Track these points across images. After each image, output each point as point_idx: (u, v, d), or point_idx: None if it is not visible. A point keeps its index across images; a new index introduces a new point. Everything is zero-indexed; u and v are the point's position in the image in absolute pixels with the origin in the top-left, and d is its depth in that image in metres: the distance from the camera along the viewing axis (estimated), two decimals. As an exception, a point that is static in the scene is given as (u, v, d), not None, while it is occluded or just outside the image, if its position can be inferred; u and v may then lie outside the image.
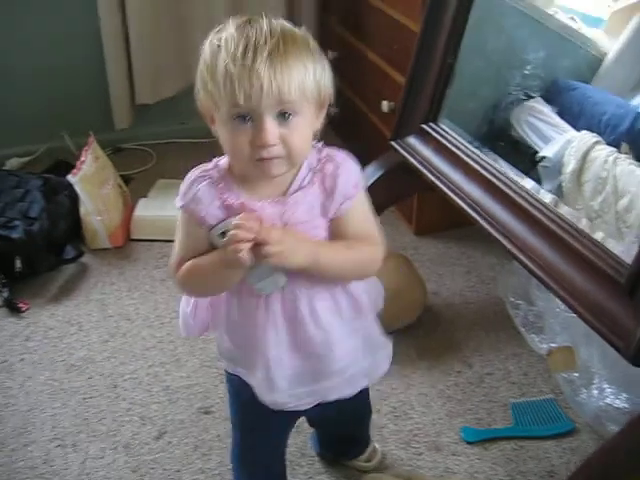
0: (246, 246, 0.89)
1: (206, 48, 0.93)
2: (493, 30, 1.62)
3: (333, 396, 1.07)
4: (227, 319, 1.04)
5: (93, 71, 2.48)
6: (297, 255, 0.93)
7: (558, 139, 1.49)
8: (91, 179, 2.03)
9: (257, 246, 0.90)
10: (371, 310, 1.09)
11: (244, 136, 0.90)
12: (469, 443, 1.45)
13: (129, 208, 2.17)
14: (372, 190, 1.67)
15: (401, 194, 1.83)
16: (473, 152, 1.49)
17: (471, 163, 1.47)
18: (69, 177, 1.99)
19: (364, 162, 1.78)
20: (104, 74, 2.46)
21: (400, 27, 1.95)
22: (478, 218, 1.40)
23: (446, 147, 1.53)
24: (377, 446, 1.43)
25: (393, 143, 1.64)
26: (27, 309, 1.85)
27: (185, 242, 1.01)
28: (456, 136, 1.54)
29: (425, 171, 1.54)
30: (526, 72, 1.51)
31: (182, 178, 1.01)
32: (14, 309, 1.84)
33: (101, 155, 2.15)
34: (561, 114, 1.50)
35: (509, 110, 1.57)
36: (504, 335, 1.72)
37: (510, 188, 1.38)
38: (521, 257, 1.30)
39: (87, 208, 2.02)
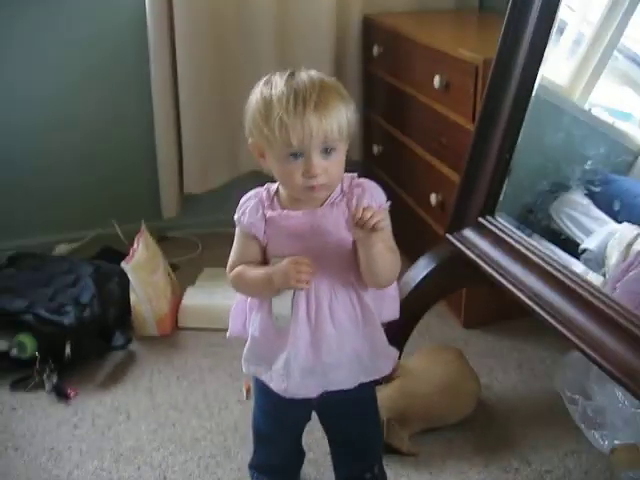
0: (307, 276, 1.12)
1: (257, 98, 1.13)
2: (540, 129, 1.65)
3: (335, 387, 1.23)
4: (261, 320, 1.22)
5: (143, 160, 2.56)
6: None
7: (599, 231, 1.50)
8: (144, 267, 2.06)
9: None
10: (378, 319, 1.23)
11: (297, 169, 1.12)
12: None
13: (177, 296, 2.18)
14: (424, 283, 1.71)
15: (453, 287, 1.83)
16: (531, 244, 1.49)
17: (530, 256, 1.47)
18: (122, 264, 2.01)
19: (413, 256, 1.80)
20: (154, 163, 2.53)
21: (449, 122, 1.99)
22: (540, 311, 1.39)
23: (504, 240, 1.53)
24: None
25: (449, 236, 1.65)
26: (75, 395, 1.84)
27: (237, 249, 1.24)
28: (513, 229, 1.55)
29: (483, 264, 1.55)
30: (586, 167, 1.53)
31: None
32: (62, 396, 1.83)
33: (151, 243, 2.19)
34: (600, 206, 1.52)
35: (553, 202, 1.59)
36: (561, 431, 1.68)
37: (572, 280, 1.38)
38: (586, 349, 1.28)
39: (138, 296, 2.03)
